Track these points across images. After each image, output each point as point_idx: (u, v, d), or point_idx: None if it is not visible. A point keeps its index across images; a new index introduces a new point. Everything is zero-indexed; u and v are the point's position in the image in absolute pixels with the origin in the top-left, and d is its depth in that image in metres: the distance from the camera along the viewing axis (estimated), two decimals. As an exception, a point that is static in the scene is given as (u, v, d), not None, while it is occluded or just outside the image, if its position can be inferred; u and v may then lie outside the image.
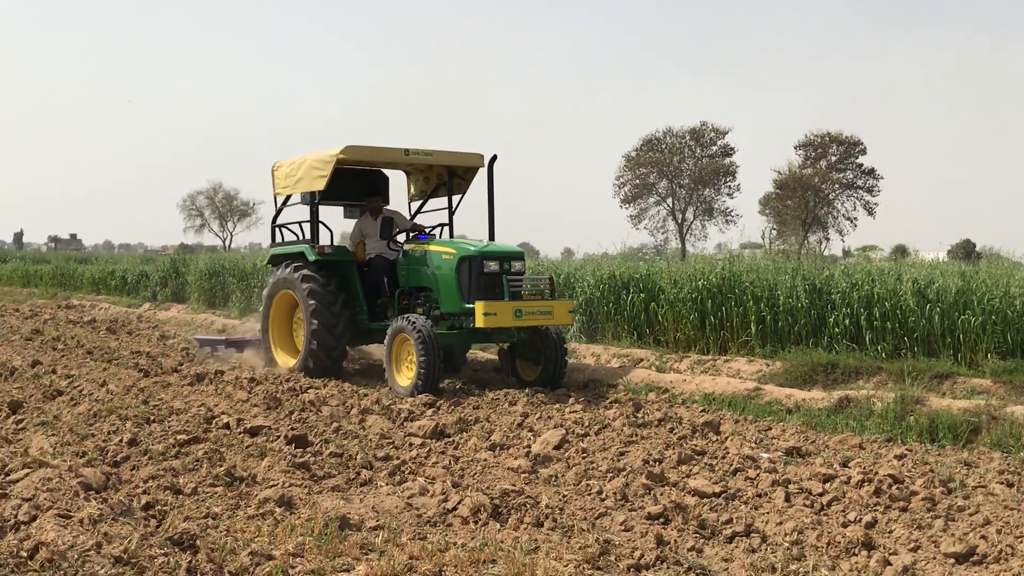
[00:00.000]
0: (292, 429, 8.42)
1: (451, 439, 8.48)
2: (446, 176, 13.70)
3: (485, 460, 7.67)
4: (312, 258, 12.58)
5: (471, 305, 11.20)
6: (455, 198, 13.78)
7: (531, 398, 10.47)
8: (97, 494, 5.81)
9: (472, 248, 11.58)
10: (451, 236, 13.49)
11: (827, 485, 6.94)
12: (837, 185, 64.29)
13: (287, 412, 9.47)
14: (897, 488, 6.87)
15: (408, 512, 6.13)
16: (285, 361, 13.15)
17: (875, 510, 6.45)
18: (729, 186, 67.26)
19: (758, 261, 16.99)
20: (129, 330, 19.29)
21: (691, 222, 67.85)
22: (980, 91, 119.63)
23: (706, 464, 7.53)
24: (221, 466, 6.95)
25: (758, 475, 7.13)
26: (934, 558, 5.62)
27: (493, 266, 11.42)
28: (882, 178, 64.47)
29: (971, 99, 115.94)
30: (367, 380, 12.44)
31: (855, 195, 64.85)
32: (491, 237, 12.55)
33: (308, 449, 7.79)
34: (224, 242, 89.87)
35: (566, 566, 5.14)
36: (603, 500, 6.58)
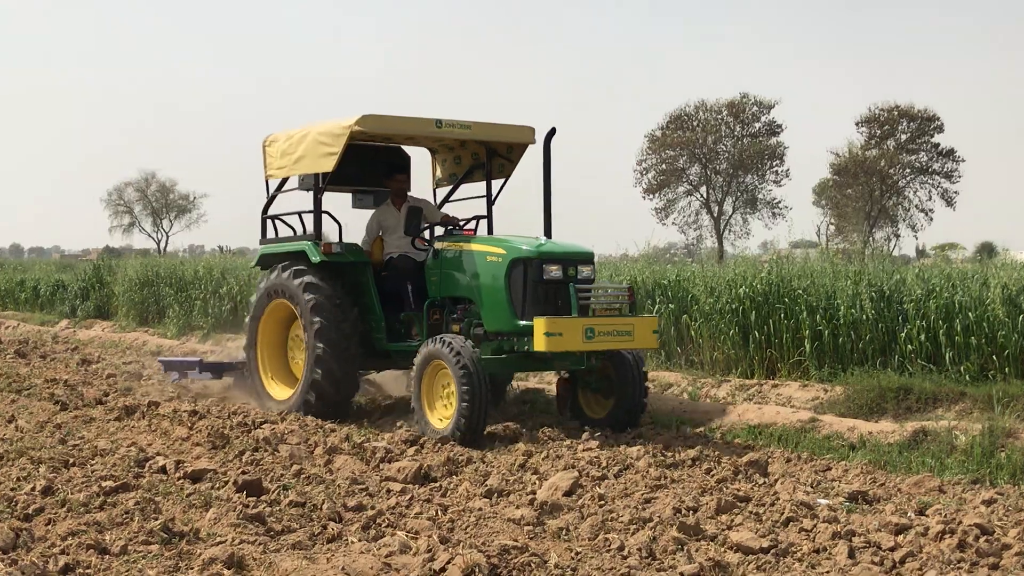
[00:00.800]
0: (243, 473, 8.42)
1: (438, 484, 8.50)
2: (483, 156, 13.05)
3: (480, 510, 7.68)
4: (316, 259, 11.96)
5: (526, 322, 10.54)
6: (495, 183, 13.16)
7: (533, 433, 10.48)
8: (4, 555, 5.80)
9: (527, 247, 10.91)
10: (490, 232, 12.91)
11: (900, 538, 6.95)
12: (908, 170, 64.53)
13: (237, 452, 9.48)
14: (986, 541, 6.87)
15: (386, 574, 6.13)
16: (279, 393, 12.53)
17: (959, 568, 6.44)
18: (776, 172, 67.42)
19: (812, 263, 17.02)
20: (42, 353, 19.33)
21: (730, 216, 68.00)
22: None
23: (751, 513, 7.53)
24: (156, 519, 6.94)
25: (815, 526, 7.14)
26: (1031, 626, 5.63)
27: (555, 271, 10.77)
28: (963, 161, 64.70)
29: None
30: (378, 420, 12.12)
31: (930, 182, 65.09)
32: (547, 233, 11.58)
33: (263, 497, 7.79)
34: (159, 244, 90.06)
35: (580, 639, 5.14)
36: (625, 558, 6.58)
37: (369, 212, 13.32)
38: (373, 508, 7.62)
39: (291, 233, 12.95)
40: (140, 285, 25.65)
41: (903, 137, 64.11)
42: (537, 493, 8.05)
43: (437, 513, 7.59)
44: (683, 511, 7.52)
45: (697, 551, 6.66)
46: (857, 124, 65.41)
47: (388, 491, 8.25)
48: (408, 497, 8.04)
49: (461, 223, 12.71)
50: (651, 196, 67.95)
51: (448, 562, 6.18)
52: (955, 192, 64.55)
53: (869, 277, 14.05)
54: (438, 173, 13.79)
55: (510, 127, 12.29)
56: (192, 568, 6.10)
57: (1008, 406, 10.36)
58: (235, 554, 6.21)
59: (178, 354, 19.07)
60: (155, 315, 24.93)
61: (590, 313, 10.55)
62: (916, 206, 65.24)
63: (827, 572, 6.35)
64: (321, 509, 7.51)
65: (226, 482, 8.18)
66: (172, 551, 6.42)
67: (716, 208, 67.74)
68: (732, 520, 7.36)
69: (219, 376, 14.42)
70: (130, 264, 28.26)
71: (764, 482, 8.69)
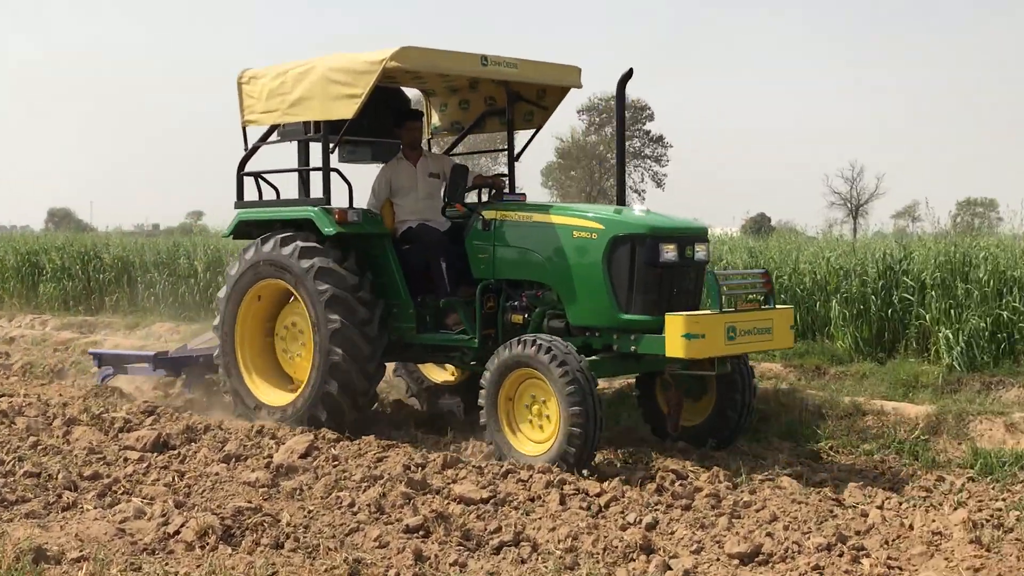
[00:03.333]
0: (-23, 447, 7.93)
1: (176, 451, 8.21)
2: (501, 100, 10.17)
3: (217, 474, 7.48)
4: (330, 230, 8.96)
5: (633, 316, 8.09)
6: (520, 136, 10.51)
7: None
8: None
9: (632, 221, 8.33)
10: (512, 192, 9.99)
11: (605, 485, 7.16)
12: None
13: (-29, 426, 8.89)
14: (680, 485, 7.18)
15: (120, 539, 5.89)
16: (270, 397, 9.48)
17: (655, 509, 6.70)
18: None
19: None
20: None
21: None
22: (769, 52, 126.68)
23: (474, 467, 7.61)
24: None
25: (531, 477, 7.27)
26: (717, 559, 5.91)
27: (671, 252, 8.12)
28: (671, 146, 67.29)
29: (761, 62, 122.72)
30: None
31: (643, 165, 67.46)
32: (620, 201, 9.00)
33: (-3, 470, 7.37)
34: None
35: (308, 592, 5.09)
36: (355, 514, 6.55)
37: (364, 168, 10.54)
38: (109, 476, 7.31)
39: (274, 197, 10.04)
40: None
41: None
42: (274, 456, 7.91)
43: (174, 479, 7.35)
44: (412, 468, 7.53)
45: (423, 504, 6.69)
46: (578, 112, 67.14)
47: (126, 460, 7.90)
48: (146, 465, 7.73)
49: (499, 185, 9.71)
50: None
51: (182, 525, 6.01)
52: (664, 175, 67.18)
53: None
54: (435, 120, 10.91)
55: (556, 67, 9.70)
56: (-82, 542, 5.70)
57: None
58: (-36, 526, 5.85)
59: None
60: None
61: (731, 307, 8.02)
62: (630, 187, 67.57)
63: (539, 518, 6.50)
64: (56, 479, 7.15)
65: (-41, 456, 7.69)
66: (-102, 526, 5.99)
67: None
68: (456, 475, 7.42)
69: (177, 372, 11.15)
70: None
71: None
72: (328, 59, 9.12)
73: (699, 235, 8.46)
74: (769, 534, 6.23)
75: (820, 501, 7.10)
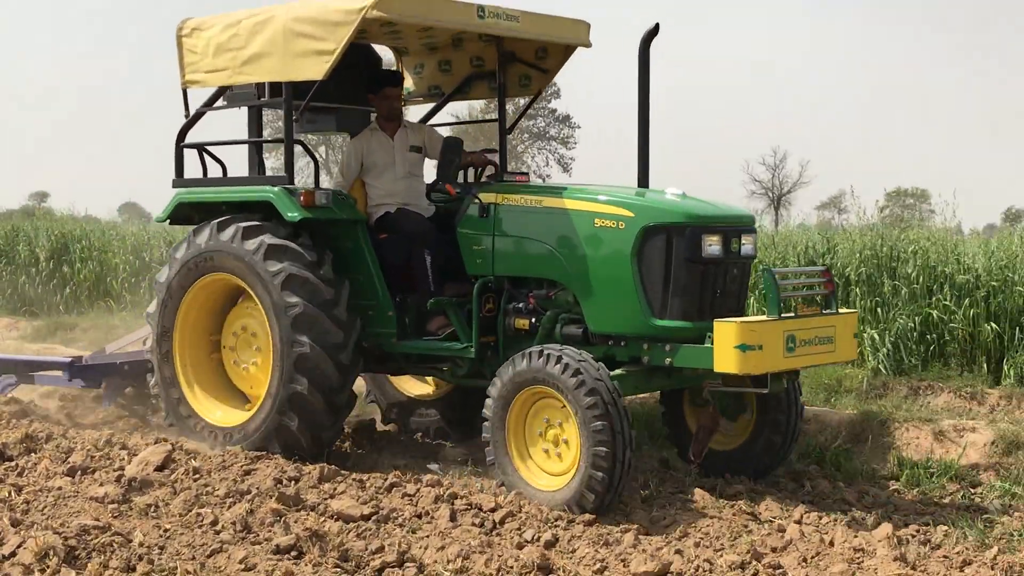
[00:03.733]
0: None
1: (14, 463, 8.02)
2: (490, 62, 9.34)
3: (60, 489, 7.32)
4: (294, 215, 8.12)
5: (669, 322, 7.44)
6: (512, 105, 10.06)
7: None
8: None
9: (670, 207, 7.61)
10: (503, 172, 9.11)
11: (500, 499, 7.17)
12: (527, 135, 66.90)
13: None
14: (586, 498, 7.22)
15: (-55, 564, 5.74)
16: (219, 415, 8.65)
17: (556, 526, 6.72)
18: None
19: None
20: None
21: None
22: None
23: (355, 480, 7.56)
24: None
25: (418, 491, 7.25)
26: (623, 580, 5.95)
27: (714, 245, 7.43)
28: (579, 127, 67.62)
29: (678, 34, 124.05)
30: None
31: (548, 148, 67.72)
32: (643, 182, 8.29)
33: None
34: None
35: (162, 620, 5.03)
36: (218, 533, 6.46)
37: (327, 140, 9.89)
38: (-64, 492, 7.12)
39: (220, 174, 9.12)
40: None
41: (521, 102, 66.33)
42: (126, 469, 7.76)
43: (10, 494, 7.16)
44: (284, 481, 7.45)
45: (296, 522, 6.63)
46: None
47: (-45, 473, 7.72)
48: (-23, 479, 7.55)
49: (494, 163, 9.05)
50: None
51: (19, 546, 5.87)
52: (571, 158, 67.50)
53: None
54: (409, 84, 9.96)
55: (562, 21, 8.85)
56: None
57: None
58: None
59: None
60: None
61: (790, 311, 7.48)
62: (535, 171, 67.86)
63: (427, 536, 6.48)
64: None
65: None
66: None
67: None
68: (335, 489, 7.37)
69: (97, 383, 10.21)
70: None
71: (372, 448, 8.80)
72: (292, 7, 8.24)
73: (746, 225, 7.77)
74: (679, 551, 6.29)
75: (734, 515, 7.18)
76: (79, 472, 7.75)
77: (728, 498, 7.62)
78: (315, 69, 8.01)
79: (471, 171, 9.02)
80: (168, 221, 9.18)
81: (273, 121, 9.49)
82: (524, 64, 9.26)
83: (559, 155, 67.17)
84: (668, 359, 7.41)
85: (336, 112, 9.39)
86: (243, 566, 5.90)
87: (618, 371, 7.49)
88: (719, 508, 7.34)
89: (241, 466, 7.88)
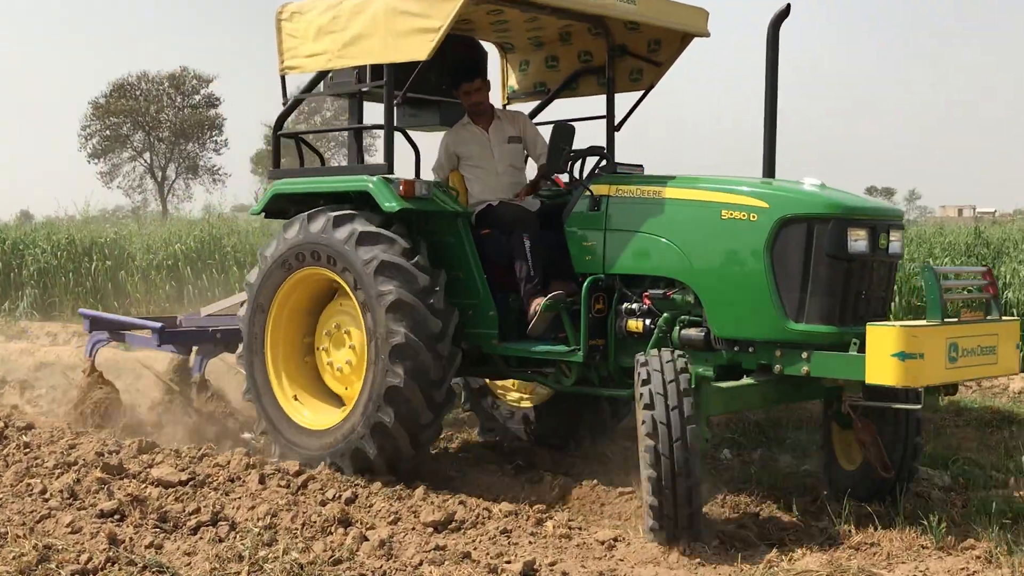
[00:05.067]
0: None
1: None
2: (599, 57, 8.07)
3: None
4: (392, 205, 6.82)
5: (811, 327, 5.96)
6: (622, 99, 8.22)
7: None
8: None
9: (810, 197, 6.10)
10: (616, 165, 7.37)
11: (306, 465, 7.11)
12: (334, 143, 66.09)
13: None
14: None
15: None
16: (312, 419, 7.31)
17: (356, 486, 6.70)
18: (216, 141, 66.71)
19: (243, 222, 17.11)
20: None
21: (173, 180, 66.46)
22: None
23: (172, 451, 7.39)
24: None
25: (229, 460, 7.12)
26: (413, 528, 5.99)
27: (861, 241, 5.97)
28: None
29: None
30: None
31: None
32: (769, 172, 6.62)
33: None
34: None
35: (-7, 581, 4.84)
36: (47, 500, 6.26)
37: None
38: None
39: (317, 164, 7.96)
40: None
41: (328, 113, 65.63)
42: (-41, 445, 7.43)
43: None
44: (106, 453, 7.23)
45: (119, 489, 6.45)
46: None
47: None
48: None
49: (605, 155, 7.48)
50: (96, 160, 64.87)
51: None
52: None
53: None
54: (513, 82, 8.60)
55: (682, 7, 7.48)
56: None
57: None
58: None
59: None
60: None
61: (953, 314, 5.96)
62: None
63: (239, 498, 6.39)
64: None
65: None
66: None
67: (160, 173, 65.96)
68: (153, 459, 7.18)
69: (187, 351, 8.80)
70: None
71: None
72: None
73: (894, 219, 6.33)
74: (462, 502, 6.38)
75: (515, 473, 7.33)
76: (-88, 449, 7.38)
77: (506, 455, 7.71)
78: (419, 49, 6.72)
79: (583, 163, 7.37)
80: (263, 214, 7.89)
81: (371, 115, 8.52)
82: (636, 57, 7.92)
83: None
84: (805, 368, 5.94)
85: (439, 106, 8.21)
86: (70, 529, 5.74)
87: (747, 381, 6.19)
88: (500, 465, 7.44)
89: (67, 441, 7.63)
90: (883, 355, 5.49)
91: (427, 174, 7.67)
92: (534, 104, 8.65)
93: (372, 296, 6.65)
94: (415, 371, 6.55)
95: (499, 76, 8.61)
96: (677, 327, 6.39)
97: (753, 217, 6.02)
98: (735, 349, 6.21)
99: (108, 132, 64.57)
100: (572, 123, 7.10)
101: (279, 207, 7.65)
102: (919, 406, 6.06)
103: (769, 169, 6.56)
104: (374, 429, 6.68)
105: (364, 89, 7.55)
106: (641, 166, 7.46)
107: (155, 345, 8.78)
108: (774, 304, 5.97)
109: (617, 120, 8.13)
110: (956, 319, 5.79)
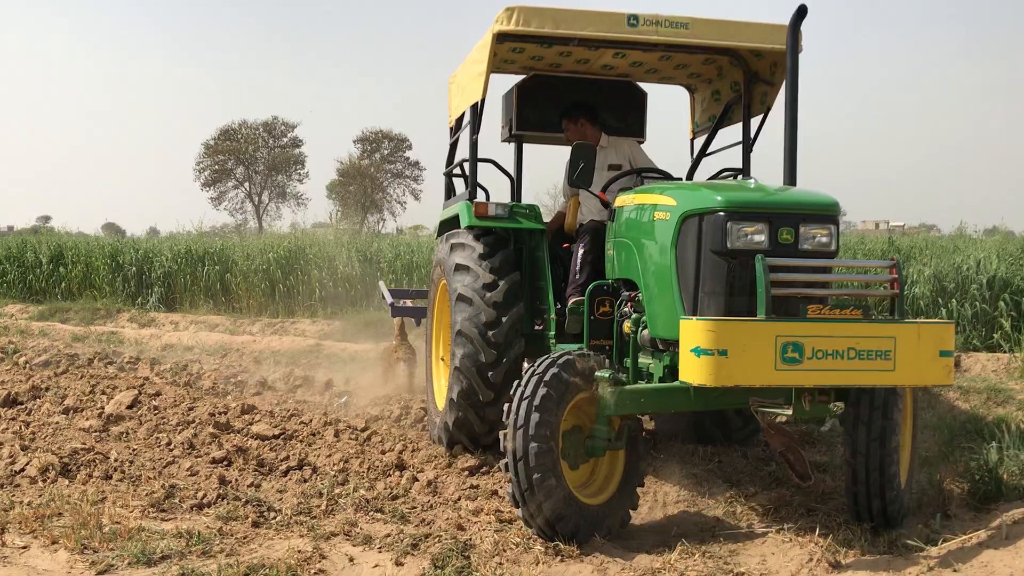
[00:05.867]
0: None
1: (24, 406, 7.65)
2: (741, 83, 6.65)
3: (57, 423, 7.03)
4: (468, 223, 6.31)
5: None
6: (751, 121, 6.72)
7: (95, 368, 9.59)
8: None
9: (708, 192, 4.74)
10: (642, 176, 6.25)
11: (369, 423, 7.15)
12: (389, 174, 66.44)
13: None
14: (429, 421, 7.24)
15: (-29, 478, 5.46)
16: (438, 396, 6.80)
17: (407, 441, 6.71)
18: (299, 173, 67.07)
19: (320, 235, 17.18)
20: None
21: (267, 204, 66.77)
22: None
23: (267, 411, 7.44)
24: None
25: (312, 419, 7.17)
26: (453, 471, 5.98)
27: (752, 233, 4.53)
28: (425, 169, 67.28)
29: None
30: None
31: (404, 183, 67.32)
32: (790, 180, 4.99)
33: None
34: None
35: (131, 511, 4.89)
36: (172, 450, 6.31)
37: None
38: (-36, 428, 6.74)
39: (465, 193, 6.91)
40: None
41: (385, 152, 65.81)
42: (105, 408, 7.48)
43: (21, 428, 6.85)
44: (217, 414, 7.28)
45: (226, 441, 6.50)
46: (354, 142, 66.37)
47: (-22, 414, 7.30)
48: (-5, 418, 7.16)
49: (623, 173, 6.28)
50: (207, 188, 65.27)
51: (27, 464, 5.65)
52: (420, 190, 67.07)
53: (358, 245, 14.39)
54: (696, 117, 7.49)
55: (763, 27, 5.92)
56: None
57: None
58: None
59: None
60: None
61: (801, 311, 4.34)
62: (395, 199, 67.25)
63: (319, 448, 6.44)
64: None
65: None
66: None
67: (256, 198, 66.28)
68: (253, 419, 7.22)
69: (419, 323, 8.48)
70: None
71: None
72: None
73: (812, 211, 4.59)
74: (490, 454, 6.35)
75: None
76: (71, 411, 7.45)
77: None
78: (476, 91, 6.12)
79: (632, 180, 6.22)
80: (438, 239, 7.14)
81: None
82: (763, 82, 6.55)
83: (412, 188, 66.71)
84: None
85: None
86: (189, 472, 5.80)
87: (656, 383, 4.93)
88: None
89: (187, 404, 7.66)
90: (686, 352, 4.21)
91: (528, 197, 7.00)
92: (705, 135, 7.32)
93: (451, 292, 6.22)
94: (470, 354, 5.96)
95: (688, 114, 7.57)
96: (639, 329, 5.15)
97: (667, 216, 4.90)
98: (671, 349, 4.93)
99: (216, 167, 64.87)
100: (640, 141, 6.69)
101: (443, 231, 7.03)
102: (789, 411, 4.43)
103: (790, 177, 5.00)
104: (448, 404, 6.18)
105: (473, 134, 6.51)
106: (668, 175, 6.27)
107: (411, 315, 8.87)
108: (677, 302, 4.77)
109: (752, 139, 6.72)
110: (805, 313, 4.27)
